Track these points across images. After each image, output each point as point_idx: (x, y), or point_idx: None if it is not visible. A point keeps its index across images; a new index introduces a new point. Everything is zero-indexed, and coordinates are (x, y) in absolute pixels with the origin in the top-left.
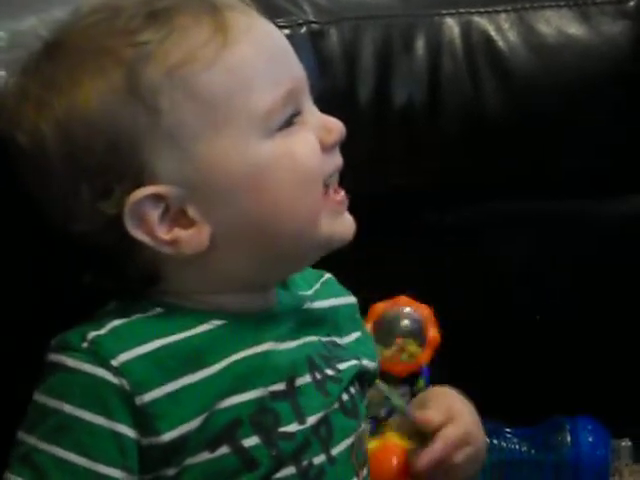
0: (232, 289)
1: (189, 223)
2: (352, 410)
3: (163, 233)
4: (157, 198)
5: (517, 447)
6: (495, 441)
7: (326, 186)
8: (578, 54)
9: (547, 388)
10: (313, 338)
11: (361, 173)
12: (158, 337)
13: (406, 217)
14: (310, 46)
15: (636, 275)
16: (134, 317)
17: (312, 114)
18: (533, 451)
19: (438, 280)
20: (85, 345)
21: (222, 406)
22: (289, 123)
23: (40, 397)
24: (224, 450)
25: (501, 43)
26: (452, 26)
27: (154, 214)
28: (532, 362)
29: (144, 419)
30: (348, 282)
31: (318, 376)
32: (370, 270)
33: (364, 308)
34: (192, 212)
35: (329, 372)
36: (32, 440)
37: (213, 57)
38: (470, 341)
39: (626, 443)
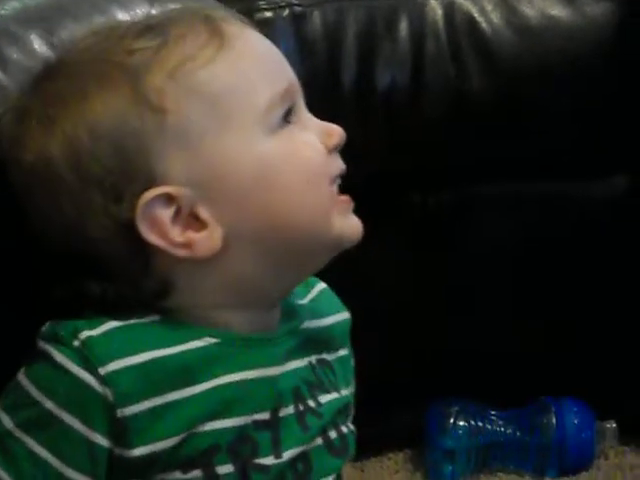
0: (243, 302)
1: (201, 225)
2: (340, 448)
3: (176, 235)
4: (168, 199)
5: (502, 429)
6: (480, 423)
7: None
8: (562, 36)
9: (533, 370)
10: (305, 362)
11: (344, 155)
12: (151, 349)
13: (389, 199)
14: (293, 29)
15: (621, 256)
16: (131, 321)
17: (310, 120)
18: (518, 433)
19: (421, 262)
20: (76, 344)
21: (202, 429)
22: (287, 121)
23: (25, 382)
24: (197, 474)
25: (484, 25)
26: (435, 8)
27: (166, 215)
28: (517, 343)
29: (121, 431)
30: (328, 264)
31: (301, 407)
32: (352, 252)
33: (347, 290)
34: (204, 213)
35: (311, 404)
36: (9, 423)
37: (212, 55)
38: (454, 323)
39: (611, 425)
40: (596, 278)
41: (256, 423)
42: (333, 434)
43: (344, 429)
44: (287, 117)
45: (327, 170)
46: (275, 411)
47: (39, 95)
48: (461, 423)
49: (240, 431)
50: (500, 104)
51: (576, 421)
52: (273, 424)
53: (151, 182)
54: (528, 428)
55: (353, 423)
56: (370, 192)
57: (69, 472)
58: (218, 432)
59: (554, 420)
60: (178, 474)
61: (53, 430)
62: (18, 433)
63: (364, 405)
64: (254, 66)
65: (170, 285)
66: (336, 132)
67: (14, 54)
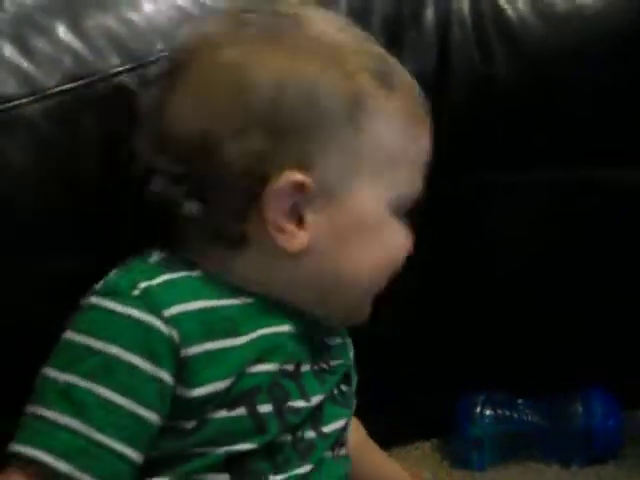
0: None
1: (300, 225)
2: (342, 402)
3: (281, 218)
4: (301, 188)
5: (529, 418)
6: (507, 412)
7: None
8: (587, 20)
9: (559, 359)
10: (314, 336)
11: None
12: (203, 298)
13: None
14: None
15: None
16: (181, 274)
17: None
18: (545, 422)
19: (443, 248)
20: (136, 293)
21: (248, 371)
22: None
23: (77, 337)
24: (241, 411)
25: (510, 11)
26: None
27: (291, 199)
28: (544, 332)
29: (183, 371)
30: None
31: (316, 367)
32: None
33: None
34: (310, 217)
35: (324, 366)
36: (70, 377)
37: (420, 124)
38: (479, 311)
39: (638, 413)
40: (623, 266)
41: (283, 372)
42: (335, 390)
43: (344, 387)
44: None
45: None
46: (297, 365)
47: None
48: (488, 412)
49: (274, 377)
50: (526, 89)
51: (603, 410)
52: (295, 375)
53: (301, 165)
54: (555, 417)
55: (380, 412)
56: None
57: (141, 410)
58: (260, 375)
59: (581, 409)
60: (224, 412)
61: (121, 373)
62: (85, 383)
63: (390, 395)
64: (421, 158)
65: (244, 245)
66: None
67: (40, 44)
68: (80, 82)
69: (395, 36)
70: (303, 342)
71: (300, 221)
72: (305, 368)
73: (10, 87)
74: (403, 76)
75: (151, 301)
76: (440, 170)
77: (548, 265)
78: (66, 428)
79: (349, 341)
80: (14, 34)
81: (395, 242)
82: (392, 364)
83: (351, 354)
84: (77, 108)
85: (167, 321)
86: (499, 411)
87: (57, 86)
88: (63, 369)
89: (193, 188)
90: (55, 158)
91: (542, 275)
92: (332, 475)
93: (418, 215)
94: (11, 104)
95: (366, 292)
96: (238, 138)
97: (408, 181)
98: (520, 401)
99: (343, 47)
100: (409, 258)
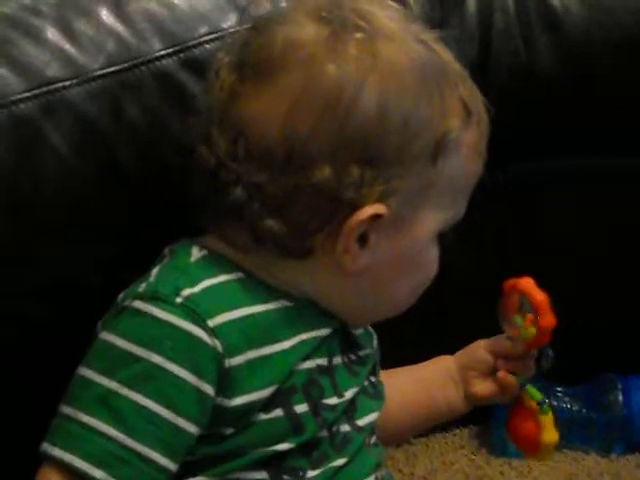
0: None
1: (363, 246)
2: (374, 394)
3: (351, 241)
4: (378, 218)
5: (568, 405)
6: (546, 400)
7: None
8: (631, 10)
9: (599, 346)
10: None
11: None
12: (244, 305)
13: None
14: None
15: None
16: (221, 277)
17: None
18: (584, 409)
19: (484, 238)
20: (179, 300)
21: None
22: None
23: (120, 342)
24: (278, 413)
25: (554, 0)
26: None
27: (364, 226)
28: (584, 320)
29: (225, 381)
30: None
31: (346, 359)
32: None
33: None
34: (374, 240)
35: (353, 357)
36: (109, 383)
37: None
38: None
39: None
40: None
41: (319, 367)
42: (366, 382)
43: (373, 378)
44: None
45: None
46: (330, 359)
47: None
48: None
49: (310, 374)
50: (569, 78)
51: None
52: (329, 370)
53: (383, 195)
54: (594, 404)
55: None
56: None
57: (180, 421)
58: (295, 374)
59: (620, 396)
60: (262, 415)
61: (163, 383)
62: (124, 390)
63: None
64: (473, 184)
65: (306, 256)
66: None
67: (83, 27)
68: (123, 65)
69: (437, 23)
70: (335, 337)
71: (364, 241)
72: (337, 361)
73: (53, 70)
74: (479, 105)
75: (194, 310)
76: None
77: (591, 253)
78: (104, 435)
79: (371, 330)
80: (57, 17)
81: (433, 264)
82: (429, 350)
83: (375, 342)
84: (119, 91)
85: (211, 332)
86: None
87: (100, 69)
88: (103, 373)
89: (271, 201)
90: (96, 141)
91: (585, 263)
92: (366, 465)
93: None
94: (54, 86)
95: (398, 311)
96: (333, 161)
97: (461, 206)
98: (559, 388)
99: (444, 70)
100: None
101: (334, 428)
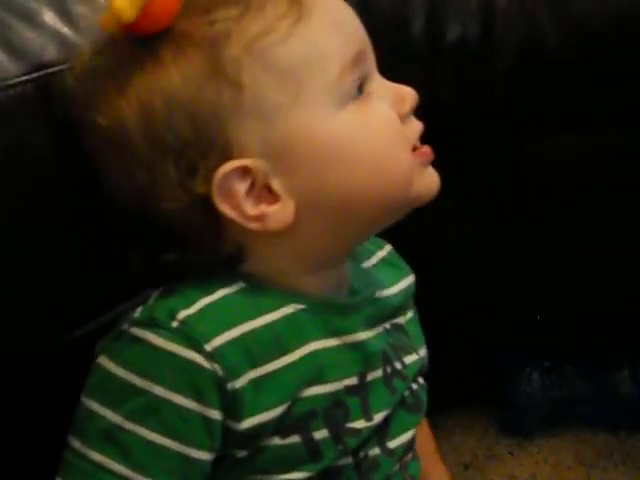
0: (309, 268)
1: (274, 198)
2: (414, 405)
3: (249, 208)
4: (244, 172)
5: (576, 385)
6: (554, 379)
7: (413, 148)
8: None
9: (607, 325)
10: (381, 328)
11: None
12: (243, 321)
13: (458, 153)
14: None
15: None
16: (219, 293)
17: (382, 86)
18: (593, 388)
19: (496, 215)
20: (175, 325)
21: (302, 395)
22: (361, 91)
23: (121, 372)
24: (295, 439)
25: None
26: None
27: (241, 189)
28: (592, 298)
29: (231, 404)
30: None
31: (388, 370)
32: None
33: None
34: (277, 186)
35: (397, 366)
36: (113, 417)
37: (289, 29)
38: (530, 277)
39: None
40: None
41: (348, 388)
42: (406, 392)
43: (414, 386)
44: (361, 88)
45: (403, 138)
46: (363, 376)
47: (115, 55)
48: (535, 378)
49: (334, 397)
50: (573, 56)
51: None
52: (361, 389)
53: (227, 155)
54: (603, 383)
55: (427, 378)
56: (438, 146)
57: (189, 451)
58: (315, 398)
59: (628, 375)
60: (277, 439)
61: (165, 414)
62: (129, 425)
63: (437, 360)
64: (329, 37)
65: (245, 250)
66: (408, 96)
67: (80, 9)
68: None
69: (438, 2)
70: (370, 345)
71: (270, 193)
72: (374, 376)
73: (50, 53)
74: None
75: (191, 334)
76: (490, 136)
77: (601, 231)
78: (114, 474)
79: (398, 262)
80: (54, 0)
81: (375, 127)
82: (440, 330)
83: (419, 328)
84: None
85: (209, 357)
86: (546, 378)
87: None
88: (106, 405)
89: (165, 242)
90: None
91: (594, 241)
92: None
93: (470, 181)
94: (50, 70)
95: (394, 185)
96: (151, 170)
97: (335, 59)
98: (568, 368)
99: None
100: (460, 231)
101: (361, 454)
